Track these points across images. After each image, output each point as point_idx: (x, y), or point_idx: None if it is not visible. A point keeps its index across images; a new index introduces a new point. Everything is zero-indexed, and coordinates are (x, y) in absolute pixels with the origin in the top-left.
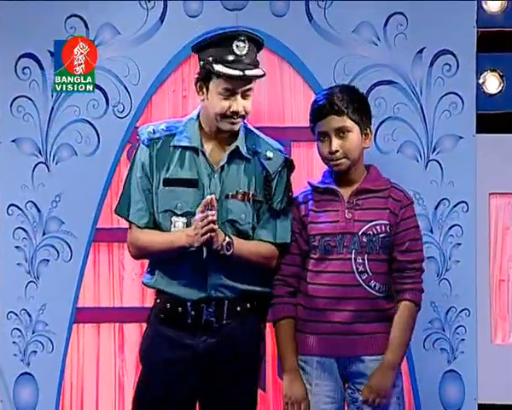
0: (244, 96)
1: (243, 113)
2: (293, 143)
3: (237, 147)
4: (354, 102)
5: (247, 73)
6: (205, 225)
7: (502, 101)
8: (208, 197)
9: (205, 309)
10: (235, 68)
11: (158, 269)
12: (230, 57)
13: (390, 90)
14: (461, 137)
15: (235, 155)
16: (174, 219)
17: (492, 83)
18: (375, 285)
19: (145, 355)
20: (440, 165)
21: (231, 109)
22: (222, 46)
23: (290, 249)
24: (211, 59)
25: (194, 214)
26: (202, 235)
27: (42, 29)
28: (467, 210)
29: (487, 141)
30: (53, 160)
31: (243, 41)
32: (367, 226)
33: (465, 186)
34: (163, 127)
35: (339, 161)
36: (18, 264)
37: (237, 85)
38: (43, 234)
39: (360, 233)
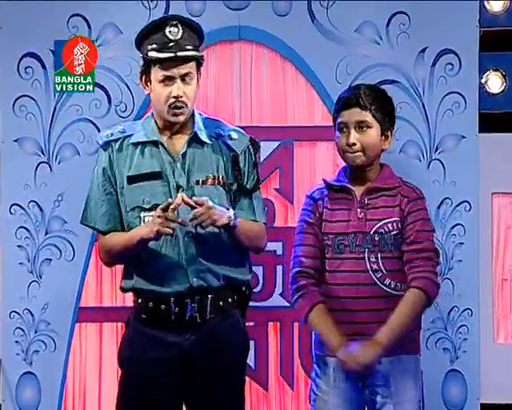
0: (184, 82)
1: (184, 98)
2: (295, 143)
3: (195, 134)
4: (379, 101)
5: (179, 54)
6: (166, 225)
7: (504, 100)
8: (172, 201)
9: (188, 305)
10: (167, 52)
11: (135, 270)
12: (164, 43)
13: (392, 89)
14: (463, 137)
15: (194, 142)
16: (143, 214)
17: (495, 82)
18: (389, 283)
19: (126, 357)
20: (443, 164)
21: (172, 95)
22: (156, 34)
23: (309, 242)
24: (147, 49)
25: None
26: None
27: (44, 29)
28: (469, 209)
29: (490, 140)
30: (55, 159)
31: (175, 25)
32: (378, 225)
33: (468, 186)
34: (120, 129)
35: (355, 154)
36: (20, 263)
37: (173, 69)
38: (46, 233)
39: (372, 232)
